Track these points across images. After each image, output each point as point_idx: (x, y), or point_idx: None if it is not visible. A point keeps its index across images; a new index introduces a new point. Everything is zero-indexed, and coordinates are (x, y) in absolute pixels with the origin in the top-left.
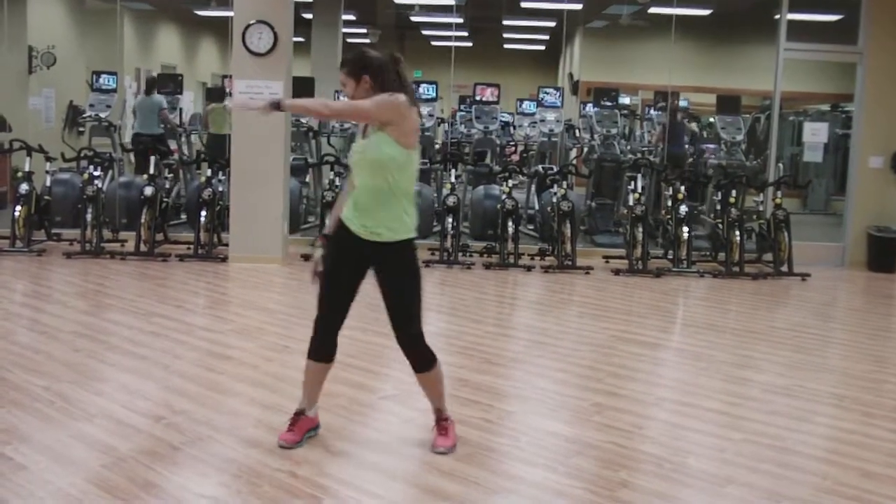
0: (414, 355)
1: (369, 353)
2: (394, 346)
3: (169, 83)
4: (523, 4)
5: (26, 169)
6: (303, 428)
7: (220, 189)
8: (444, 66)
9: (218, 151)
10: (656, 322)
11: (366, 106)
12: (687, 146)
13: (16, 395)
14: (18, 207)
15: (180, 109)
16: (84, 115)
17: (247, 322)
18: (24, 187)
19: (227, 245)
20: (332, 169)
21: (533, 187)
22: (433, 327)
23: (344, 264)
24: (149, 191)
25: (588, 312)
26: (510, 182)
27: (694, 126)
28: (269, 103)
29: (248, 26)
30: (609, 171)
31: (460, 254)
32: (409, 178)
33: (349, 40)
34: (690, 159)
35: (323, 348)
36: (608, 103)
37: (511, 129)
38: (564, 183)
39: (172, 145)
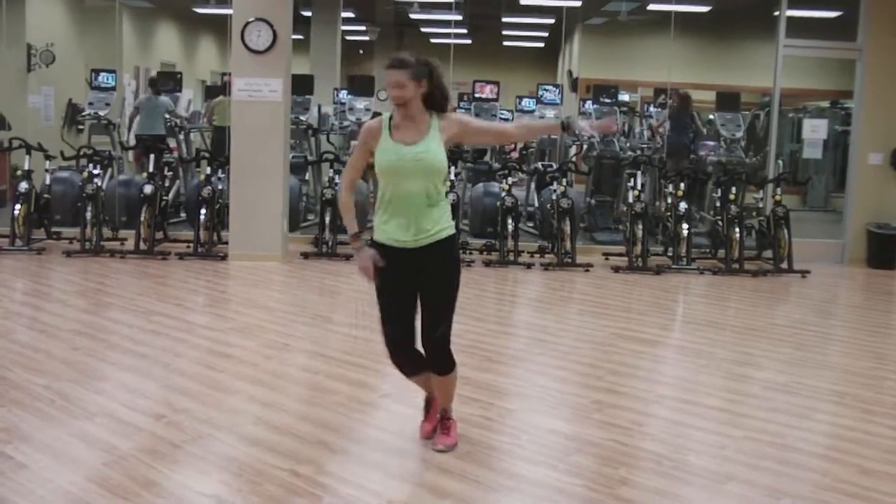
0: (439, 357)
1: (369, 351)
2: None
3: (169, 81)
4: (522, 1)
5: (26, 167)
6: (437, 411)
7: (220, 187)
8: (443, 63)
9: (224, 144)
10: (656, 319)
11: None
12: (690, 142)
13: (16, 393)
14: (18, 206)
15: (189, 101)
16: (83, 114)
17: (247, 320)
18: (23, 186)
19: (226, 243)
20: (331, 166)
21: (532, 184)
22: None
23: (398, 282)
24: (148, 189)
25: (588, 310)
26: (510, 179)
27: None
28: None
29: (247, 24)
30: (608, 168)
31: (460, 251)
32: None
33: (348, 38)
34: (692, 155)
35: (410, 366)
36: (607, 100)
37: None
38: (564, 180)
39: (172, 143)
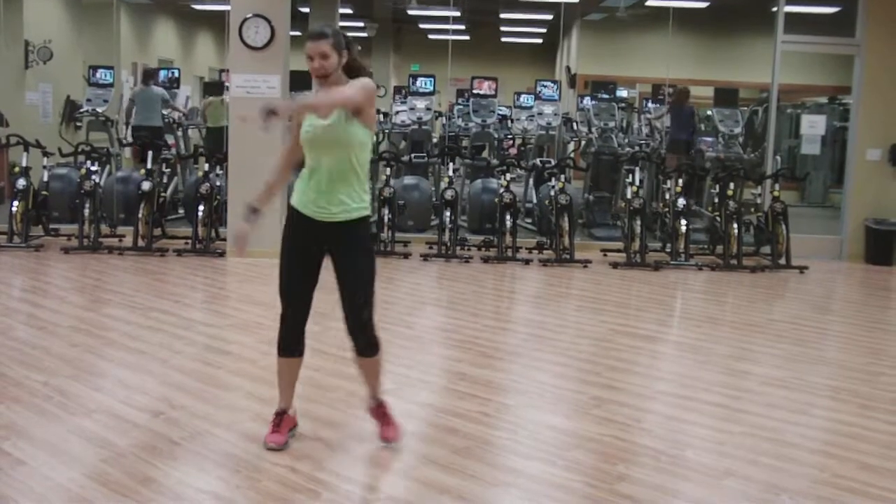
0: (364, 339)
1: None
2: (391, 339)
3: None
4: None
5: (23, 164)
6: (288, 426)
7: (218, 183)
8: (441, 59)
9: (216, 145)
10: (654, 315)
11: (356, 97)
12: (690, 137)
13: (14, 390)
14: (16, 202)
15: (187, 97)
16: (81, 110)
17: (245, 316)
18: (21, 182)
19: (224, 240)
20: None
21: (531, 181)
22: (431, 321)
23: (300, 253)
24: (146, 186)
25: (586, 306)
26: (508, 176)
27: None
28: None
29: (244, 20)
30: (607, 165)
31: (458, 247)
32: (367, 157)
33: (346, 34)
34: (691, 150)
35: (292, 342)
36: (605, 96)
37: (509, 122)
38: (562, 176)
39: (170, 140)
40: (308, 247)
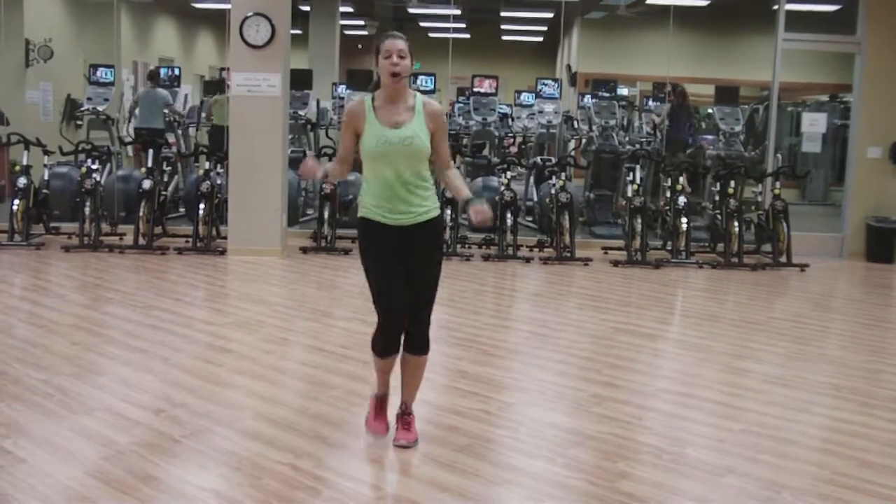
0: (421, 337)
1: (365, 345)
2: None
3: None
4: None
5: (24, 163)
6: (387, 409)
7: (219, 182)
8: (441, 58)
9: (220, 143)
10: (655, 313)
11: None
12: (688, 136)
13: (15, 388)
14: (17, 201)
15: (186, 96)
16: (82, 109)
17: (246, 315)
18: (22, 181)
19: (225, 238)
20: (330, 161)
21: (531, 179)
22: (432, 318)
23: (387, 259)
24: (147, 184)
25: (587, 304)
26: (509, 174)
27: (702, 125)
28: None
29: (245, 19)
30: (607, 163)
31: (459, 245)
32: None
33: (346, 33)
34: (691, 149)
35: (395, 344)
36: (605, 94)
37: (509, 120)
38: (563, 174)
39: (171, 138)
40: (391, 250)
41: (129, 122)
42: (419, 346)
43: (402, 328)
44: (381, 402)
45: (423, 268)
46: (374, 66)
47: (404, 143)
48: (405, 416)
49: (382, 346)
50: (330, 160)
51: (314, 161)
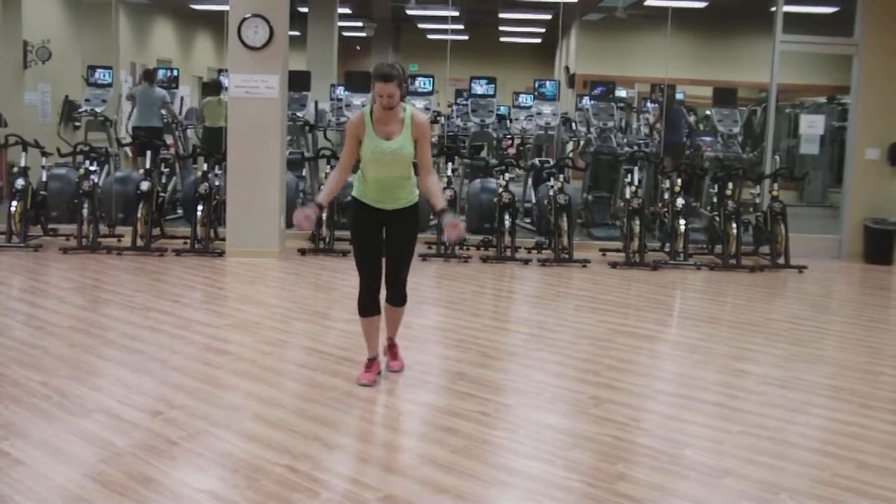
0: (398, 294)
1: (363, 347)
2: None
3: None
4: None
5: (22, 164)
6: (379, 367)
7: (217, 183)
8: (440, 59)
9: (214, 145)
10: (653, 315)
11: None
12: (685, 138)
13: (13, 390)
14: (14, 203)
15: (182, 98)
16: (80, 110)
17: (244, 316)
18: (20, 182)
19: (223, 240)
20: (328, 163)
21: (529, 180)
22: (430, 321)
23: (370, 232)
24: (145, 185)
25: (585, 305)
26: (507, 175)
27: (692, 118)
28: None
29: (243, 20)
30: (605, 164)
31: (457, 247)
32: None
33: (345, 34)
34: (688, 150)
35: (374, 306)
36: (597, 92)
37: (507, 122)
38: (561, 176)
39: (169, 140)
40: (374, 226)
41: (123, 112)
42: (397, 300)
43: (377, 290)
44: (370, 362)
45: (401, 242)
46: (371, 90)
47: (394, 153)
48: (391, 347)
49: (363, 306)
50: (329, 162)
51: (301, 211)
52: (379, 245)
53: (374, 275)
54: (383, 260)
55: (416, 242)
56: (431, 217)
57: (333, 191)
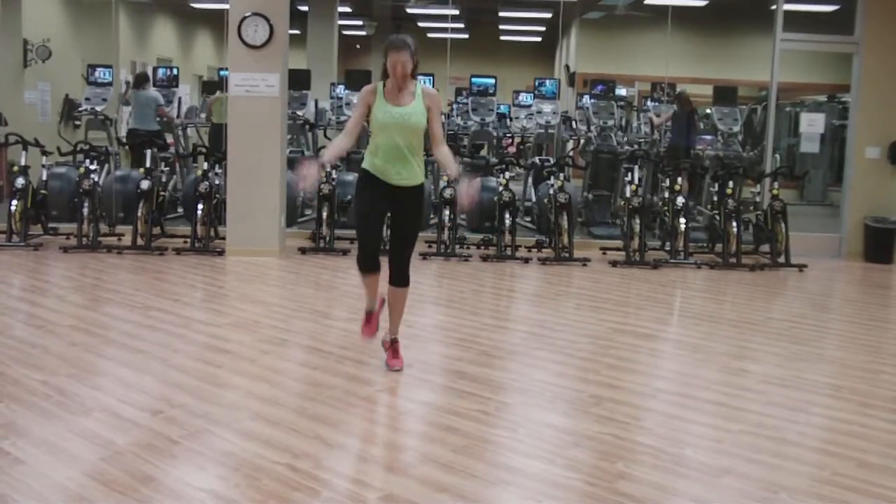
0: (401, 273)
1: (364, 346)
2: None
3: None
4: None
5: (22, 163)
6: (377, 320)
7: (217, 182)
8: (440, 58)
9: (220, 141)
10: (653, 313)
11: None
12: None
13: (13, 389)
14: (14, 202)
15: (179, 99)
16: (80, 109)
17: (244, 315)
18: (20, 181)
19: (223, 238)
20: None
21: (530, 179)
22: (431, 319)
23: (373, 198)
24: (145, 184)
25: (585, 304)
26: (507, 174)
27: (700, 125)
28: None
29: (243, 19)
30: (606, 163)
31: (457, 246)
32: (422, 139)
33: (345, 33)
34: (692, 152)
35: (372, 263)
36: (598, 91)
37: (508, 121)
38: (561, 175)
39: (169, 139)
40: (379, 195)
41: (123, 112)
42: (401, 280)
43: (375, 251)
44: (369, 315)
45: (407, 222)
46: (383, 62)
47: (404, 118)
48: (393, 343)
49: (362, 263)
50: None
51: (309, 164)
52: (379, 211)
53: (372, 235)
54: (383, 226)
55: (421, 221)
56: (432, 217)
57: (338, 153)
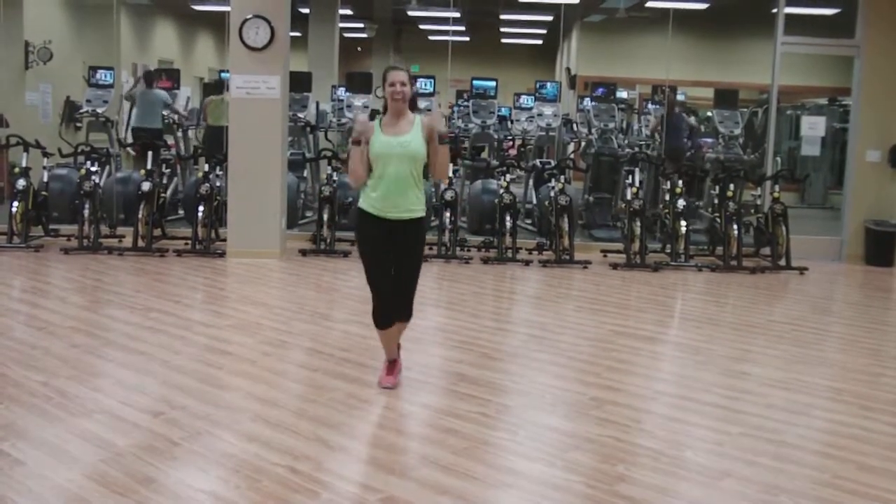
0: (407, 310)
1: (365, 348)
2: None
3: (162, 76)
4: None
5: (23, 164)
6: (398, 370)
7: (218, 184)
8: (441, 60)
9: (215, 144)
10: (654, 316)
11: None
12: (686, 140)
13: (13, 390)
14: (16, 203)
15: (187, 99)
16: (81, 111)
17: (245, 317)
18: (21, 183)
19: (224, 240)
20: (329, 164)
21: (531, 182)
22: (431, 322)
23: (378, 247)
24: (146, 186)
25: (586, 307)
26: (508, 176)
27: (692, 120)
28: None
29: (244, 21)
30: (606, 166)
31: (458, 248)
32: (422, 170)
33: (346, 35)
34: (689, 153)
35: (388, 320)
36: (599, 93)
37: (509, 123)
38: (562, 177)
39: (170, 140)
40: (381, 241)
41: (128, 122)
42: (403, 315)
43: (390, 305)
44: (391, 364)
45: (408, 256)
46: (381, 90)
47: (402, 146)
48: (392, 362)
49: (378, 320)
50: (329, 163)
51: (364, 118)
52: (388, 257)
53: (386, 289)
54: (392, 274)
55: (422, 256)
56: (433, 217)
57: (360, 155)
